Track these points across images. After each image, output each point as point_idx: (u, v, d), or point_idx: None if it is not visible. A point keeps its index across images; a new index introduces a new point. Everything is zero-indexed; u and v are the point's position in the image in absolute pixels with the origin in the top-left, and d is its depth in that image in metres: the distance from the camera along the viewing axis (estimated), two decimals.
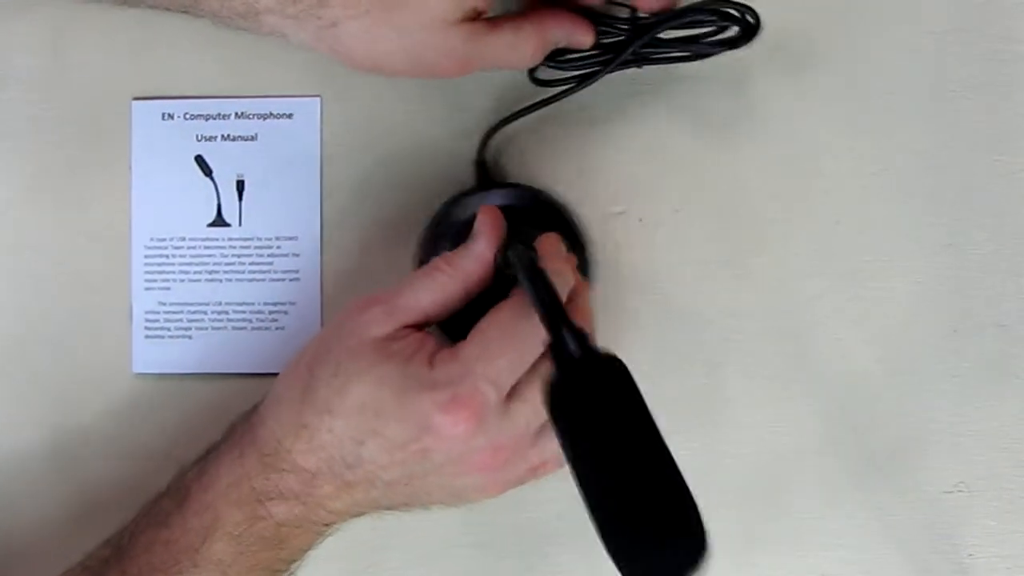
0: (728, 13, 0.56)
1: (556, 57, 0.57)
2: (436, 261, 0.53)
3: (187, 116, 0.60)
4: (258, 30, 0.54)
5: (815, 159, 0.60)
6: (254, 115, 0.60)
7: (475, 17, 0.53)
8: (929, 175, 0.60)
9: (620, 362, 0.44)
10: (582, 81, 0.58)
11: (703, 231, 0.60)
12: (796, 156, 0.60)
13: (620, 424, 0.42)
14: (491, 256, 0.52)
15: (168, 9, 0.56)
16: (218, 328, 0.60)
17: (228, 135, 0.60)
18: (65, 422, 0.60)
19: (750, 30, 0.56)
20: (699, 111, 0.60)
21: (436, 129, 0.60)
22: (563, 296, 0.50)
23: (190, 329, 0.60)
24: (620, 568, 0.41)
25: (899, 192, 0.60)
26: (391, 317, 0.51)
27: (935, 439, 0.60)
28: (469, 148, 0.60)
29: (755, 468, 0.60)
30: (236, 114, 0.60)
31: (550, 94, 0.58)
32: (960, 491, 0.60)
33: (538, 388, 0.50)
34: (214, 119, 0.60)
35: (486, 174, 0.59)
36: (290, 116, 0.60)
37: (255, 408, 0.53)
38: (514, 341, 0.50)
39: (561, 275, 0.51)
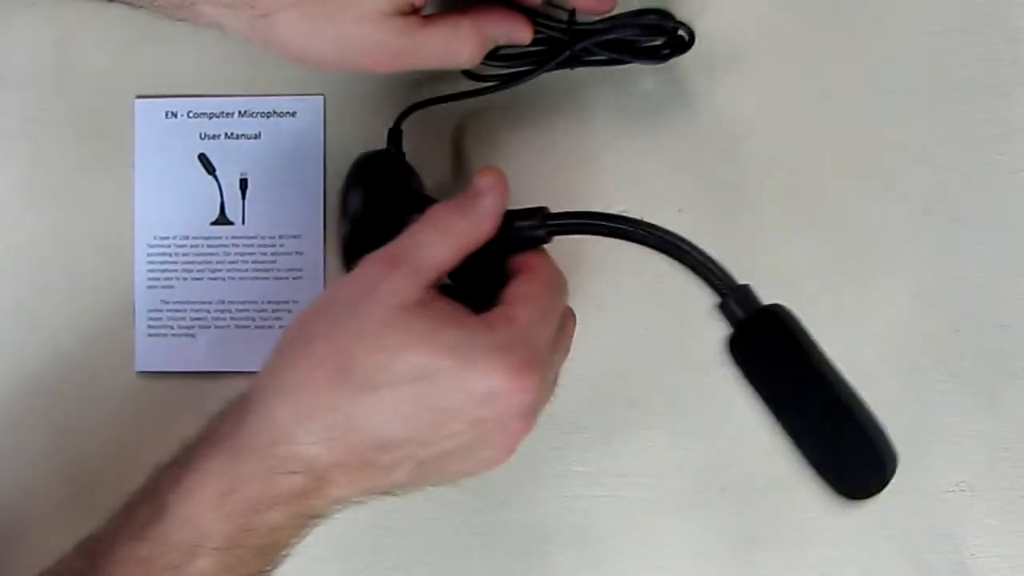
0: (663, 27, 0.57)
1: (492, 53, 0.56)
2: (443, 213, 0.50)
3: (190, 114, 0.61)
4: (195, 21, 0.53)
5: (815, 159, 0.60)
6: (257, 113, 0.61)
7: (410, 12, 0.52)
8: (929, 175, 0.60)
9: (782, 310, 0.49)
10: (512, 80, 0.58)
11: (704, 231, 0.60)
12: (797, 156, 0.60)
13: (795, 362, 0.48)
14: (501, 213, 0.50)
15: (107, 0, 0.55)
16: (221, 326, 0.60)
17: (231, 133, 0.61)
18: (67, 421, 0.60)
19: (684, 45, 0.57)
20: (700, 112, 0.60)
21: (439, 127, 0.60)
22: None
23: (193, 328, 0.61)
24: (827, 484, 0.48)
25: (899, 192, 0.60)
26: (418, 278, 0.48)
27: (935, 439, 0.60)
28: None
29: (755, 468, 0.60)
30: (239, 112, 0.61)
31: (478, 86, 0.58)
32: (961, 491, 0.60)
33: (559, 354, 0.50)
34: (217, 117, 0.61)
35: (399, 142, 0.58)
36: (293, 114, 0.61)
37: (243, 406, 0.49)
38: (558, 305, 0.50)
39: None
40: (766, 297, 0.58)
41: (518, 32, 0.55)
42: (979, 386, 0.60)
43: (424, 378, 0.46)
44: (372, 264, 0.49)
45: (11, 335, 0.61)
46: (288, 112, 0.61)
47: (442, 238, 0.49)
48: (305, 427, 0.47)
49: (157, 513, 0.48)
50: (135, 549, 0.47)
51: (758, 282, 0.59)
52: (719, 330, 0.60)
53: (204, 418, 0.59)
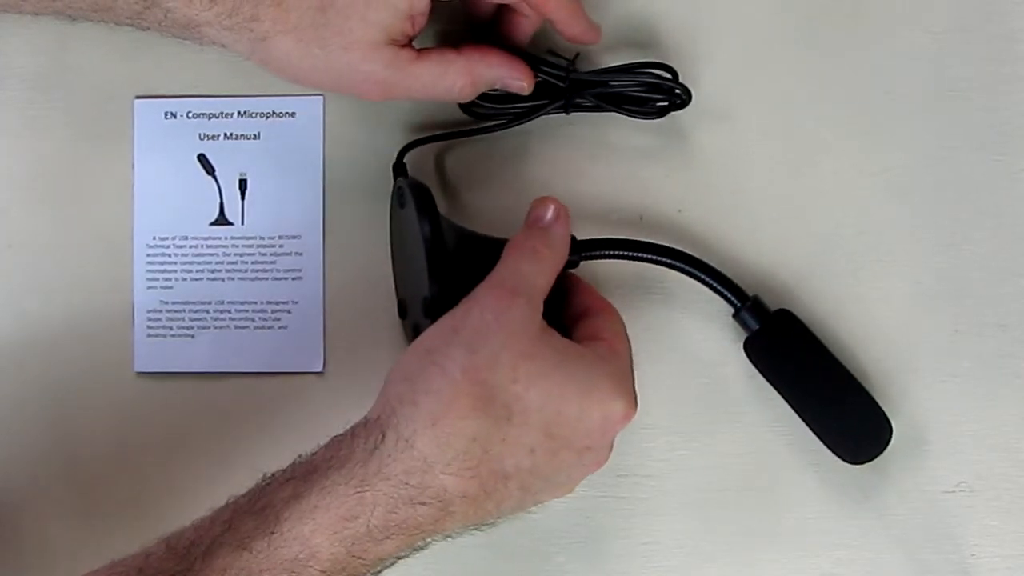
0: (661, 86, 0.58)
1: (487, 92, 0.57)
2: (532, 243, 0.52)
3: (190, 115, 0.61)
4: (200, 41, 0.55)
5: (815, 159, 0.60)
6: (257, 114, 0.61)
7: (404, 43, 0.53)
8: (929, 175, 0.60)
9: (788, 313, 0.58)
10: (507, 122, 0.58)
11: (704, 231, 0.60)
12: (796, 156, 0.60)
13: (802, 355, 0.58)
14: (570, 239, 0.53)
15: (116, 23, 0.56)
16: (220, 327, 0.60)
17: (231, 134, 0.61)
18: (67, 422, 0.60)
19: (681, 104, 0.58)
20: (700, 111, 0.60)
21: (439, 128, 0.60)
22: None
23: (192, 328, 0.60)
24: (836, 452, 0.57)
25: (899, 192, 0.60)
26: (534, 307, 0.50)
27: (935, 439, 0.60)
28: (473, 147, 0.60)
29: (755, 468, 0.60)
30: (239, 113, 0.61)
31: (473, 126, 0.59)
32: (961, 491, 0.60)
33: None
34: (217, 118, 0.61)
35: (404, 174, 0.58)
36: (293, 115, 0.61)
37: (374, 431, 0.48)
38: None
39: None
40: (767, 297, 0.58)
41: (515, 78, 0.56)
42: (978, 386, 0.60)
43: (552, 407, 0.48)
44: (493, 294, 0.50)
45: (11, 335, 0.61)
46: (287, 112, 0.61)
47: (540, 267, 0.51)
48: (444, 456, 0.47)
49: (268, 526, 0.47)
50: (237, 559, 0.46)
51: (759, 283, 0.60)
52: (718, 331, 0.60)
53: (203, 419, 0.60)
